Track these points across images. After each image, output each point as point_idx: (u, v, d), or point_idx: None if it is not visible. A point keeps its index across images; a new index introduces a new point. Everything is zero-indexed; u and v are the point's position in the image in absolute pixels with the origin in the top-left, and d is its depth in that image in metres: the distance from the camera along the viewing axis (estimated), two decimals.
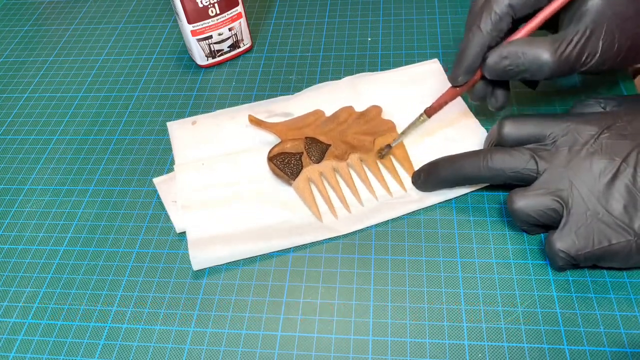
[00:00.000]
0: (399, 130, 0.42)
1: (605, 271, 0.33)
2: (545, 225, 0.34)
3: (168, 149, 0.44)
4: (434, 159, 0.38)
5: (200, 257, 0.36)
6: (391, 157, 0.40)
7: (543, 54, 0.32)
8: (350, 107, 0.43)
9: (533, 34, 0.34)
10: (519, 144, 0.35)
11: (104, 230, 0.39)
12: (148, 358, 0.33)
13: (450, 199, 0.38)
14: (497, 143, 0.36)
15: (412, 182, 0.39)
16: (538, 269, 0.34)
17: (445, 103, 0.38)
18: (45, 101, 0.50)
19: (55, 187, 0.43)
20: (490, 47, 0.34)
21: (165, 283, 0.36)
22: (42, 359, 0.33)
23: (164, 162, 0.43)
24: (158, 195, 0.41)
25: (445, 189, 0.38)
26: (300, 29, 0.54)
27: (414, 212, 0.38)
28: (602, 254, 0.31)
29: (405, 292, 0.34)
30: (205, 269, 0.36)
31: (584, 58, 0.33)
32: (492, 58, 0.34)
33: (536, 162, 0.33)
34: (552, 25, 0.36)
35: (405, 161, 0.40)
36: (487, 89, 0.37)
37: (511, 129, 0.35)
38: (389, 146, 0.40)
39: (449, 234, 0.36)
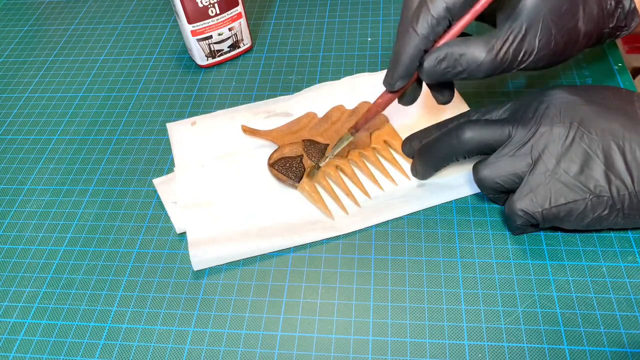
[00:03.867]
0: (392, 122, 0.43)
1: (605, 271, 0.33)
2: (511, 191, 0.34)
3: (168, 149, 0.44)
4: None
5: (201, 257, 0.36)
6: (390, 149, 0.41)
7: (479, 53, 0.32)
8: (341, 106, 0.44)
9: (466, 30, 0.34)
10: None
11: (104, 231, 0.39)
12: (148, 358, 0.33)
13: (450, 200, 0.38)
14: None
15: (412, 173, 0.39)
16: (538, 269, 0.34)
17: (379, 112, 0.37)
18: (45, 101, 0.50)
19: (55, 187, 0.43)
20: (425, 50, 0.33)
21: (165, 283, 0.36)
22: (42, 359, 0.33)
23: (164, 162, 0.43)
24: (158, 195, 0.41)
25: (446, 190, 0.38)
26: (300, 29, 0.54)
27: (414, 212, 0.38)
28: (558, 212, 0.32)
29: (405, 292, 0.34)
30: (205, 269, 0.36)
31: (520, 56, 0.32)
32: (429, 61, 0.33)
33: (509, 132, 0.34)
34: (491, 22, 0.35)
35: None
36: (417, 91, 0.37)
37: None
38: (318, 167, 0.40)
39: (449, 234, 0.36)
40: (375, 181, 0.39)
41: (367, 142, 0.41)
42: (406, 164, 0.40)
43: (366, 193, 0.39)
